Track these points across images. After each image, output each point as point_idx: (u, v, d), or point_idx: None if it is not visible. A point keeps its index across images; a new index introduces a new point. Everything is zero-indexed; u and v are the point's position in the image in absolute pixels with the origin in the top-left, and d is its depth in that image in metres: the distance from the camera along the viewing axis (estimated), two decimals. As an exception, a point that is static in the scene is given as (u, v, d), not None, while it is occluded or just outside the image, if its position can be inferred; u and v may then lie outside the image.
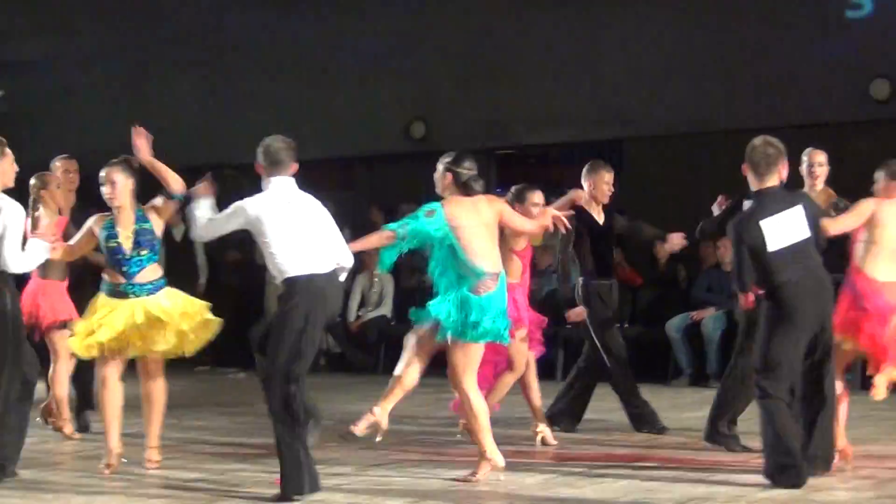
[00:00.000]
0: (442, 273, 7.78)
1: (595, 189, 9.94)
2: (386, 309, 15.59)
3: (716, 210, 8.92)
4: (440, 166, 7.90)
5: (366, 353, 15.52)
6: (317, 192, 7.75)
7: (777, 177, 7.64)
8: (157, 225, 8.23)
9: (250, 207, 7.40)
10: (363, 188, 17.71)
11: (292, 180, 7.57)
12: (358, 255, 8.26)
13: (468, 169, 7.84)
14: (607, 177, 9.97)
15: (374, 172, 17.81)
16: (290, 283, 7.32)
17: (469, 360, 7.71)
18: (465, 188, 7.82)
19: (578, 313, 9.91)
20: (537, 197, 9.08)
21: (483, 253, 7.70)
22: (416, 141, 17.01)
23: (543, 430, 9.30)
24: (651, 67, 15.59)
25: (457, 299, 7.62)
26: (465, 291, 7.61)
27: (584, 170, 10.09)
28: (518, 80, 16.31)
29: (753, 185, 7.70)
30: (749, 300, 7.95)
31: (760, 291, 7.75)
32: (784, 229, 7.49)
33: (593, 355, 9.98)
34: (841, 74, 14.46)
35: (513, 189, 9.23)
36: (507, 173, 15.47)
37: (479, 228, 7.75)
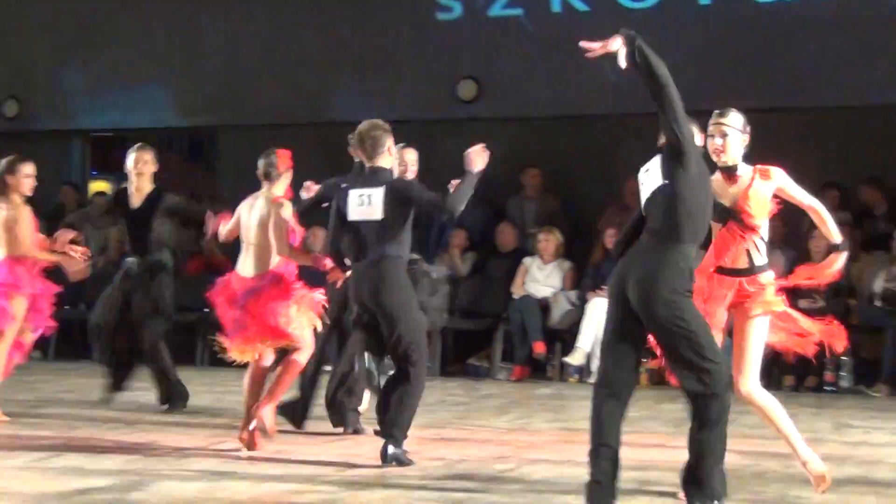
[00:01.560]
0: None
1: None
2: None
3: (303, 195, 9.16)
4: None
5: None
6: None
7: (386, 156, 7.99)
8: None
9: None
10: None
11: None
12: None
13: None
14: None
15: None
16: None
17: None
18: None
19: None
20: (28, 168, 9.57)
21: None
22: (9, 119, 16.67)
23: None
24: (248, 59, 15.77)
25: None
26: None
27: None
28: (116, 64, 16.20)
29: (366, 164, 8.04)
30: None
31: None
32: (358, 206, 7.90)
33: None
34: (431, 74, 14.99)
35: (3, 161, 9.59)
36: (103, 156, 15.30)
37: None
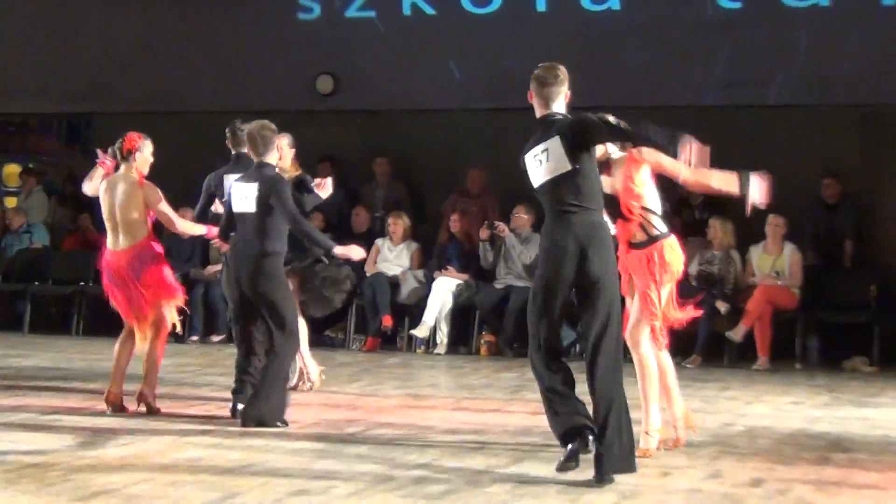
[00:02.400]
0: None
1: None
2: None
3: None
4: None
5: None
6: None
7: (276, 153, 8.48)
8: None
9: None
10: None
11: None
12: None
13: None
14: None
15: None
16: None
17: None
18: None
19: None
20: None
21: None
22: None
23: None
24: (122, 50, 15.67)
25: None
26: None
27: None
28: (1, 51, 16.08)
29: (255, 159, 8.40)
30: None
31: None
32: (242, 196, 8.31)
33: None
34: (291, 69, 15.06)
35: None
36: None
37: None
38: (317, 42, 15.12)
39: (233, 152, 9.51)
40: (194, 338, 13.72)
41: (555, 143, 6.63)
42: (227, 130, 9.52)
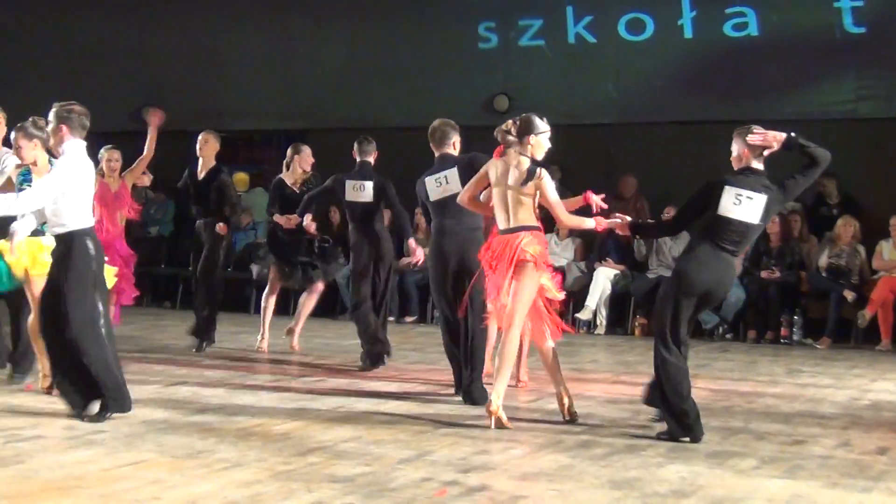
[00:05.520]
0: None
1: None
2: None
3: None
4: None
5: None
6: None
7: (453, 146, 8.18)
8: None
9: None
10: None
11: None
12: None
13: None
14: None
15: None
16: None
17: None
18: None
19: None
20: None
21: None
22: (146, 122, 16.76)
23: None
24: (332, 73, 15.84)
25: None
26: None
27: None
28: (230, 77, 16.37)
29: (436, 152, 8.18)
30: None
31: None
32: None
33: None
34: (473, 90, 15.04)
35: None
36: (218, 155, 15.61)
37: None
38: (494, 67, 15.15)
39: (357, 160, 9.68)
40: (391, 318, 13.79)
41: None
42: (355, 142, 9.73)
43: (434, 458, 5.93)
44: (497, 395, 6.81)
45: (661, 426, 6.65)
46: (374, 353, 9.46)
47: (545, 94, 14.71)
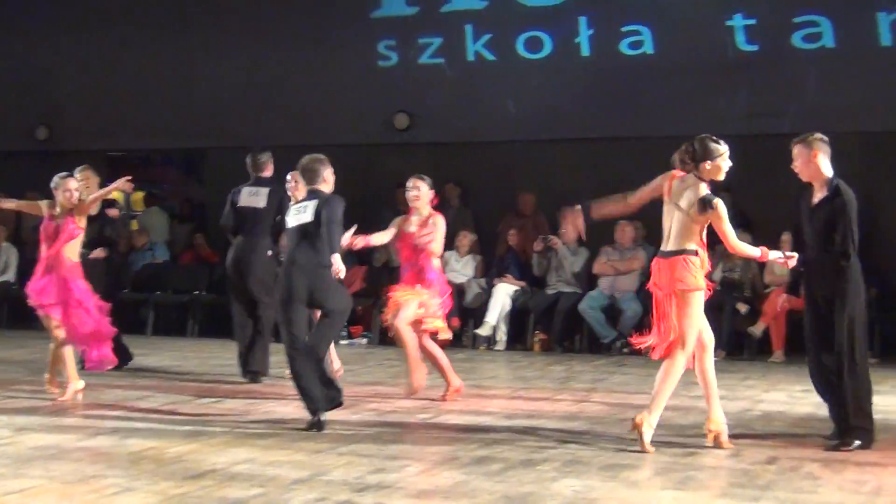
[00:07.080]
0: None
1: None
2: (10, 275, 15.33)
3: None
4: None
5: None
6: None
7: (324, 182, 7.75)
8: None
9: None
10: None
11: None
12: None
13: None
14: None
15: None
16: None
17: None
18: None
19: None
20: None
21: None
22: (41, 141, 16.58)
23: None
24: (229, 91, 15.75)
25: None
26: None
27: None
28: (127, 95, 16.18)
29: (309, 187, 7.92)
30: None
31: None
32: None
33: None
34: (372, 107, 15.10)
35: None
36: (115, 173, 15.42)
37: None
38: (394, 85, 15.18)
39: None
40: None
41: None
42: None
43: (329, 478, 5.89)
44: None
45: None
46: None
47: (445, 111, 14.86)
